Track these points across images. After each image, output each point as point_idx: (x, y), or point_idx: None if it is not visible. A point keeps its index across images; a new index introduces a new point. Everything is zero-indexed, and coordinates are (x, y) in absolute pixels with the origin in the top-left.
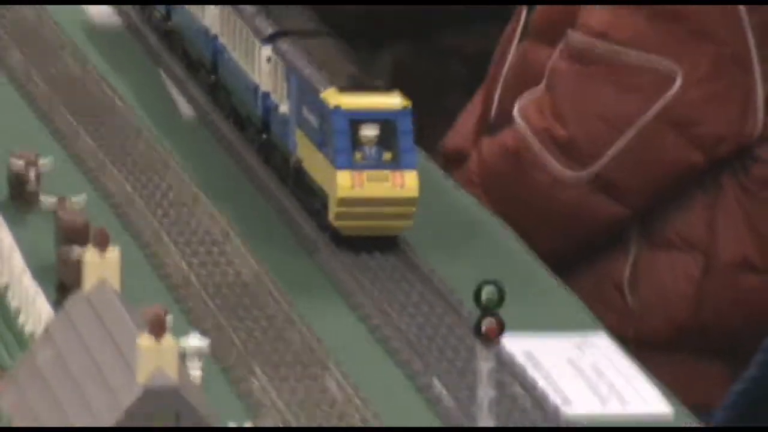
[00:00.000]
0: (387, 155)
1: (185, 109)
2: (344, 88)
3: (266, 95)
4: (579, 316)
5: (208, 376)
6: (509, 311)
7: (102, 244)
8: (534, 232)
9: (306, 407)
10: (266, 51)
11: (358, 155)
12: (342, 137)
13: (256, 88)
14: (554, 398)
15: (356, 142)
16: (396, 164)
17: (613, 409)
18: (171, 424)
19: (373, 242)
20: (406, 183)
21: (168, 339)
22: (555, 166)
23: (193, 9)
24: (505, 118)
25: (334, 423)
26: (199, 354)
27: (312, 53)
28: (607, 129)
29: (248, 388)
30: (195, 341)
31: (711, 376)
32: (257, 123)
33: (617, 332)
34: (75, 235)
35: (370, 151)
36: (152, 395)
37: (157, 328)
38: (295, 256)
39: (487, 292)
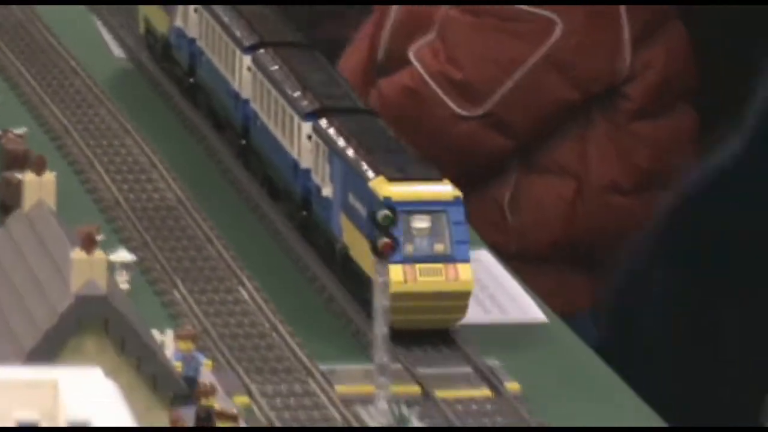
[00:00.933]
0: (439, 247)
1: (116, 50)
2: (393, 177)
3: (306, 173)
4: None
5: (135, 287)
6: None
7: (40, 168)
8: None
9: (221, 315)
10: (306, 128)
11: (409, 248)
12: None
13: (295, 164)
14: None
15: (407, 234)
16: (449, 256)
17: (494, 318)
18: (100, 329)
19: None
20: (460, 276)
21: (98, 253)
22: (451, 104)
23: (222, 69)
24: (395, 61)
25: (246, 329)
26: (126, 267)
27: (355, 133)
28: (498, 71)
29: (171, 298)
30: (123, 256)
31: (579, 285)
32: (297, 199)
33: (501, 248)
34: (17, 161)
35: (422, 242)
36: (83, 303)
37: (89, 244)
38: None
39: (382, 215)
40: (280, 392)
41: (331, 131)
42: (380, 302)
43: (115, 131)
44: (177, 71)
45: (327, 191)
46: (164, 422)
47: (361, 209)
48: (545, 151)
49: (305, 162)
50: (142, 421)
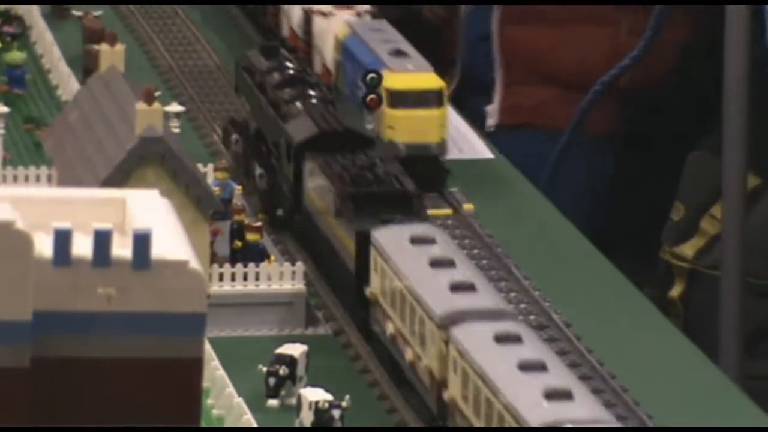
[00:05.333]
0: None
1: None
2: None
3: None
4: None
5: (184, 131)
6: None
7: (112, 41)
8: None
9: None
10: None
11: None
12: None
13: None
14: None
15: None
16: None
17: (452, 155)
18: (158, 162)
19: None
20: None
21: (156, 105)
22: None
23: None
24: None
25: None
26: (177, 116)
27: None
28: None
29: (210, 140)
30: (175, 107)
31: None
32: None
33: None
34: (95, 36)
35: None
36: (145, 142)
37: (149, 98)
38: None
39: (370, 76)
40: None
41: None
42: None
43: (168, 13)
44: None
45: None
46: (206, 232)
47: None
48: None
49: None
50: (190, 232)
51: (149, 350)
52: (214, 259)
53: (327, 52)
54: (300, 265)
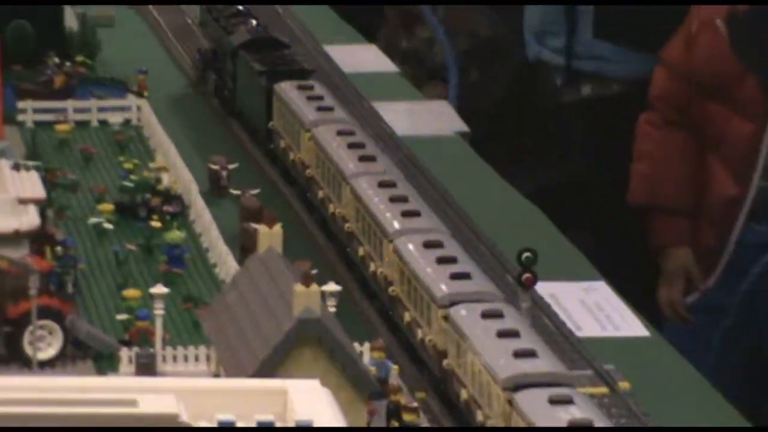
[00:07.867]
0: None
1: None
2: None
3: None
4: (585, 270)
5: (341, 310)
6: (541, 268)
7: (271, 222)
8: None
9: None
10: None
11: None
12: None
13: None
14: (570, 324)
15: None
16: None
17: (608, 332)
18: (315, 345)
19: None
20: None
21: (314, 286)
22: None
23: None
24: None
25: None
26: (334, 296)
27: None
28: None
29: (366, 318)
30: (332, 287)
31: None
32: None
33: None
34: (253, 215)
35: None
36: (303, 324)
37: (307, 280)
38: None
39: (525, 255)
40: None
41: None
42: (526, 322)
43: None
44: None
45: None
46: (363, 414)
47: None
48: None
49: None
50: (346, 413)
51: None
52: None
53: None
54: None
